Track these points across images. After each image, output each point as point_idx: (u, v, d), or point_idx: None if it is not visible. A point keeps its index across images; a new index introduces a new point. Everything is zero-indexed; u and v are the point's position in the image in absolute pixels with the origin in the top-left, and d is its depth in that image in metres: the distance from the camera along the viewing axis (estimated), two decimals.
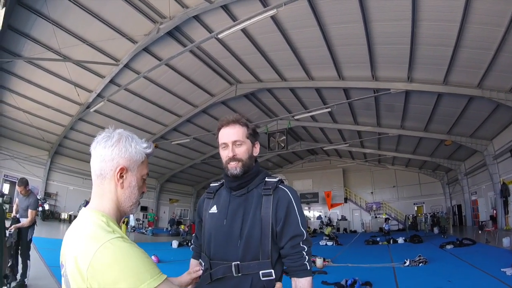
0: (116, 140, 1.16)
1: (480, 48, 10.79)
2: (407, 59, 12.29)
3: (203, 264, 1.65)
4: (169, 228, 25.51)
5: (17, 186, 6.04)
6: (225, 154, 1.62)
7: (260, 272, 1.47)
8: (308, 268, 1.50)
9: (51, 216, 21.79)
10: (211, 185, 1.82)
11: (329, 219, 32.66)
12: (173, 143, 21.52)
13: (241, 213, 1.57)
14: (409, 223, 27.48)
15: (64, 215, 22.13)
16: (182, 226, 23.00)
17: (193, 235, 1.93)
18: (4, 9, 8.48)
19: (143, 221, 29.16)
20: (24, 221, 5.87)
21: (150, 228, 25.49)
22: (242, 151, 1.60)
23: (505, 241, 11.50)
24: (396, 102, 16.10)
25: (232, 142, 1.60)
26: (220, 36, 10.20)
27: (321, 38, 12.25)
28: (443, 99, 14.65)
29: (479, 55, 11.11)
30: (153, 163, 27.65)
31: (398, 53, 12.20)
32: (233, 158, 1.59)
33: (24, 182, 5.95)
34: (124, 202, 1.17)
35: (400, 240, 16.99)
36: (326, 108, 16.54)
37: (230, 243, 1.53)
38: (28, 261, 5.75)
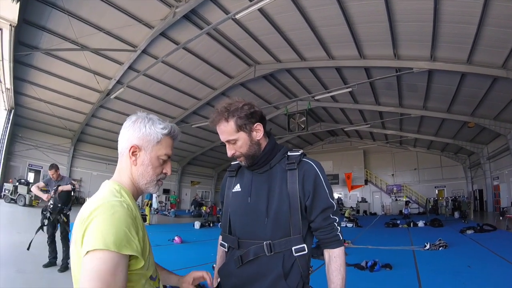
0: (133, 121, 1.24)
1: (505, 27, 10.29)
2: (430, 37, 11.87)
3: (225, 245, 1.65)
4: (191, 210, 25.98)
5: (49, 172, 6.14)
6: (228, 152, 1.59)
7: (293, 248, 1.46)
8: (341, 238, 1.52)
9: (76, 202, 22.54)
10: (232, 163, 1.79)
11: (340, 201, 32.46)
12: (193, 126, 21.64)
13: (265, 189, 1.54)
14: (430, 206, 27.16)
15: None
16: (204, 208, 23.34)
17: (221, 214, 1.88)
18: (18, 3, 8.57)
19: (165, 203, 29.82)
20: (68, 186, 6.13)
21: (172, 210, 25.97)
22: (239, 146, 1.54)
23: None
24: (419, 82, 15.68)
25: (226, 142, 1.56)
26: (237, 16, 10.07)
27: (341, 15, 11.97)
28: (466, 79, 14.19)
29: (504, 34, 10.60)
30: (174, 146, 28.06)
31: (421, 31, 11.78)
32: (234, 156, 1.57)
33: (54, 166, 6.16)
34: (138, 179, 1.23)
35: (420, 224, 16.80)
36: (347, 88, 16.22)
37: (257, 221, 1.52)
38: (69, 242, 5.85)
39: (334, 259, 1.47)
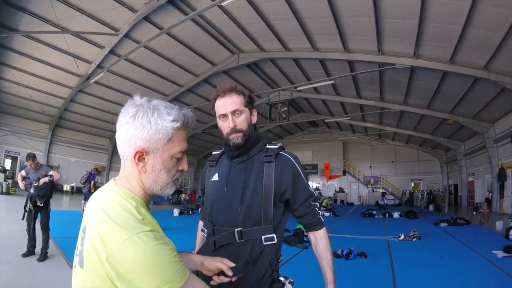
0: (132, 116, 0.94)
1: (490, 30, 10.48)
2: (415, 35, 11.98)
3: (205, 231, 1.70)
4: (170, 197, 25.79)
5: (26, 162, 6.00)
6: (225, 125, 1.60)
7: (263, 237, 1.52)
8: (322, 221, 1.65)
9: (54, 188, 22.03)
10: (213, 153, 1.85)
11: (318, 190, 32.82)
12: None
13: (241, 180, 1.59)
14: (406, 198, 27.91)
15: (66, 187, 22.33)
16: (183, 195, 23.22)
17: (200, 201, 2.03)
18: None
19: None
20: (58, 176, 6.03)
21: None
22: (241, 120, 1.59)
23: (498, 225, 11.66)
24: (401, 78, 15.90)
25: (231, 112, 1.58)
26: (223, 3, 9.85)
27: (328, 8, 11.91)
28: (448, 78, 14.43)
29: (488, 36, 10.80)
30: None
31: (406, 28, 11.87)
32: (234, 129, 1.58)
33: (31, 156, 5.96)
34: (151, 187, 1.00)
35: (396, 215, 17.26)
36: (330, 80, 16.25)
37: (231, 209, 1.57)
38: (48, 231, 5.81)
39: (320, 239, 1.62)
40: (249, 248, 1.50)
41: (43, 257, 5.51)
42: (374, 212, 18.43)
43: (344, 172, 34.01)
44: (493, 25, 10.21)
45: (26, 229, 5.73)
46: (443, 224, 13.09)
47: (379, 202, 26.01)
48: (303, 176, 1.61)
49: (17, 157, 21.23)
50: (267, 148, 1.64)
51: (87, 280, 0.89)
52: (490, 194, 17.87)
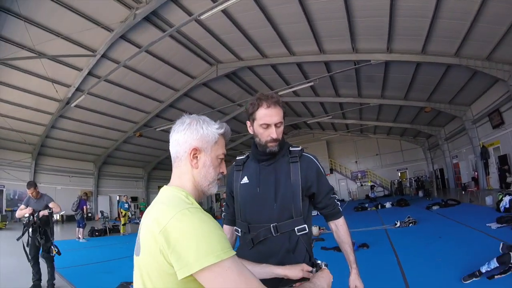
0: (188, 124, 1.21)
1: (457, 19, 10.95)
2: (386, 31, 12.38)
3: (239, 230, 1.87)
4: None
5: (27, 190, 5.85)
6: (266, 133, 1.74)
7: (296, 228, 1.72)
8: (341, 210, 1.90)
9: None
10: (237, 158, 1.99)
11: None
12: (157, 129, 21.14)
13: (272, 179, 1.77)
14: (395, 188, 28.38)
15: (56, 216, 21.80)
16: None
17: (225, 204, 2.11)
18: None
19: (135, 211, 29.00)
20: (57, 209, 5.92)
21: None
22: (280, 132, 1.77)
23: (488, 200, 12.14)
24: (376, 73, 16.29)
25: (275, 124, 1.73)
26: (202, 17, 10.03)
27: (301, 13, 12.18)
28: (421, 68, 14.91)
29: (456, 25, 11.28)
30: (138, 152, 27.50)
31: (378, 25, 12.26)
32: (275, 140, 1.74)
33: (32, 184, 5.87)
34: (201, 181, 1.22)
35: (388, 205, 17.55)
36: (308, 82, 16.54)
37: (266, 207, 1.75)
38: (53, 262, 5.68)
39: (341, 226, 1.87)
40: (287, 239, 1.71)
41: None
42: (367, 205, 18.69)
43: (331, 171, 34.25)
44: (459, 15, 10.68)
45: (30, 263, 5.56)
46: (435, 207, 13.51)
47: (369, 195, 26.43)
48: (323, 173, 1.85)
49: (2, 190, 20.50)
50: (290, 150, 1.83)
51: (142, 265, 1.03)
52: (476, 173, 18.43)
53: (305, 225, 1.73)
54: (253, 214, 1.78)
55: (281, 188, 1.74)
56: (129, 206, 17.10)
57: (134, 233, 15.73)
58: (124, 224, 15.88)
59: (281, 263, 1.62)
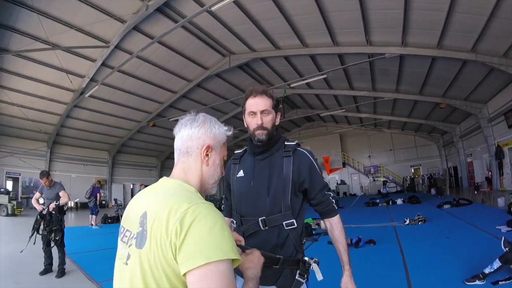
0: (202, 121, 1.23)
1: (473, 14, 10.67)
2: (401, 24, 12.15)
3: (234, 222, 1.90)
4: None
5: (40, 180, 6.07)
6: (253, 121, 1.79)
7: (284, 222, 1.72)
8: (336, 208, 1.86)
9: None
10: (235, 152, 2.03)
11: None
12: (170, 120, 21.40)
13: (266, 173, 1.80)
14: (407, 185, 28.02)
15: (70, 203, 22.30)
16: None
17: (223, 197, 2.15)
18: None
19: None
20: (65, 199, 6.03)
21: None
22: (268, 120, 1.79)
23: (500, 201, 11.87)
24: (391, 67, 16.04)
25: (261, 111, 1.78)
26: (213, 8, 9.98)
27: (314, 4, 12.08)
28: (437, 62, 14.61)
29: (472, 19, 10.98)
30: (152, 141, 27.88)
31: (392, 17, 12.02)
32: (261, 126, 1.77)
33: (45, 174, 6.05)
34: (208, 179, 1.23)
35: (399, 201, 17.37)
36: (322, 74, 16.41)
37: (259, 200, 1.77)
38: (64, 248, 5.88)
39: (335, 225, 1.83)
40: (276, 234, 1.72)
41: (61, 273, 5.60)
42: (378, 201, 18.52)
43: (344, 164, 34.07)
44: (476, 9, 10.40)
45: (42, 248, 5.79)
46: (446, 206, 13.26)
47: (381, 190, 26.18)
48: (317, 168, 1.83)
49: (18, 177, 21.20)
50: (285, 145, 1.85)
51: (145, 258, 0.97)
52: (490, 173, 18.04)
53: (293, 220, 1.73)
54: (247, 207, 1.82)
55: (273, 182, 1.76)
56: None
57: None
58: None
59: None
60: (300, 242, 1.78)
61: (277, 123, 1.86)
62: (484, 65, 13.11)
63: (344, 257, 1.78)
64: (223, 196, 2.14)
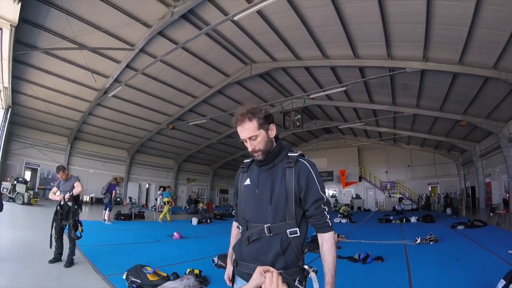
0: None
1: (496, 29, 10.55)
2: (423, 38, 12.11)
3: (240, 227, 2.02)
4: (187, 207, 26.14)
5: (57, 175, 6.36)
6: (248, 146, 1.92)
7: (288, 230, 1.80)
8: (330, 224, 1.86)
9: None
10: (244, 161, 2.17)
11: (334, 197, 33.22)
12: (189, 123, 21.92)
13: (269, 183, 1.89)
14: (423, 203, 27.48)
15: (86, 198, 22.79)
16: (201, 204, 23.50)
17: (234, 203, 2.27)
18: (20, 3, 8.64)
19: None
20: (78, 189, 6.25)
21: (170, 206, 26.08)
22: (258, 142, 1.88)
23: None
24: (412, 81, 15.95)
25: (248, 138, 1.89)
26: (235, 18, 10.16)
27: (336, 16, 12.17)
28: (458, 79, 14.45)
29: (494, 36, 10.86)
30: (170, 144, 28.33)
31: (413, 32, 12.02)
32: (254, 150, 1.90)
33: (61, 168, 6.35)
34: None
35: (413, 219, 17.11)
36: (342, 87, 16.35)
37: (262, 208, 1.86)
38: (75, 241, 6.07)
39: (326, 241, 1.83)
40: (279, 241, 1.79)
41: (70, 263, 5.79)
42: (391, 218, 18.24)
43: (360, 178, 33.71)
44: (498, 24, 10.29)
45: (54, 237, 5.97)
46: (460, 227, 13.04)
47: (396, 207, 25.80)
48: (316, 180, 1.86)
49: (37, 169, 21.97)
50: (288, 155, 1.93)
51: None
52: (507, 195, 17.52)
53: (297, 229, 1.81)
54: (251, 213, 1.92)
55: (276, 191, 1.85)
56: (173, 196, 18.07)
57: (174, 221, 16.38)
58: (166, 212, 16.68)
59: (272, 264, 1.73)
60: (302, 250, 1.84)
61: (272, 135, 1.94)
62: (506, 82, 12.87)
63: (327, 277, 1.75)
64: (234, 202, 2.25)
